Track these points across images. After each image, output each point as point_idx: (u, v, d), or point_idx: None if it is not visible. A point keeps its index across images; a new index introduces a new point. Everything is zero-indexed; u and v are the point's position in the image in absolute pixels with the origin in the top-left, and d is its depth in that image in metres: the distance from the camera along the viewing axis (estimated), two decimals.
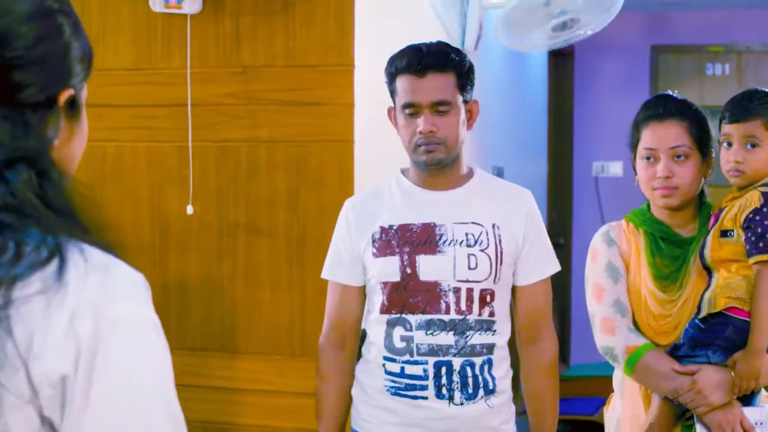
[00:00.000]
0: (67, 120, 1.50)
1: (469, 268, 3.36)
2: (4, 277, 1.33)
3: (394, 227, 3.43)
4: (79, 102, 1.54)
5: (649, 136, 3.48)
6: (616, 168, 9.60)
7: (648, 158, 3.47)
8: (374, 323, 3.47)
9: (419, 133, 3.35)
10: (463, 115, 3.41)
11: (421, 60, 3.36)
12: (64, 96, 1.50)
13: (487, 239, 3.39)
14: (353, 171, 4.43)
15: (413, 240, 3.39)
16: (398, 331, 3.40)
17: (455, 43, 5.69)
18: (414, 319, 3.37)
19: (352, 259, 3.50)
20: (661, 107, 3.49)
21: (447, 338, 3.34)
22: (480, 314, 3.37)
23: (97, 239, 1.46)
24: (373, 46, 4.58)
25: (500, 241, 3.40)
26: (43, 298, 1.34)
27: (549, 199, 9.16)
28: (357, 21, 4.44)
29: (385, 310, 3.42)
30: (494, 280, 3.38)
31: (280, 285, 4.56)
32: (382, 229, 3.44)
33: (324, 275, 3.60)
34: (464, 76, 3.40)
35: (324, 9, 4.47)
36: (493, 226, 3.41)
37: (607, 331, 3.46)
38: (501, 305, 3.43)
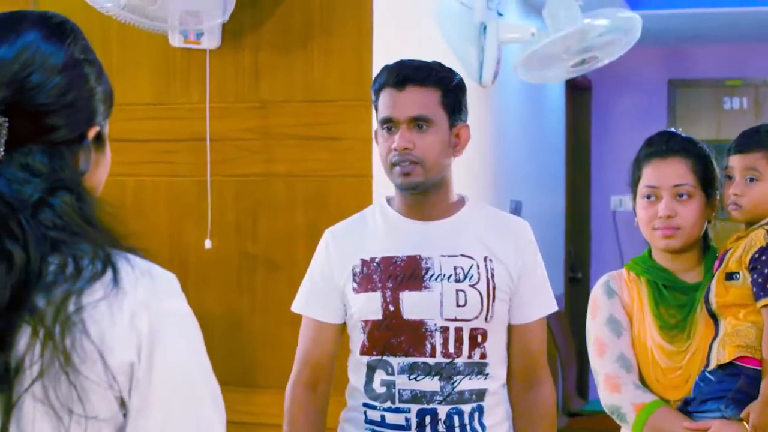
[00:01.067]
0: (94, 152, 1.78)
1: (458, 306, 3.06)
2: (72, 289, 1.61)
3: (377, 260, 3.12)
4: (103, 136, 1.81)
5: (650, 174, 3.30)
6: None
7: (648, 197, 3.29)
8: (354, 365, 3.18)
9: (394, 150, 3.06)
10: (446, 137, 3.10)
11: (400, 72, 3.10)
12: (92, 133, 1.76)
13: (478, 273, 3.08)
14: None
15: (397, 274, 3.08)
16: (379, 375, 3.08)
17: (472, 77, 5.71)
18: (396, 361, 3.06)
19: (329, 293, 3.20)
20: (664, 144, 3.33)
21: (432, 384, 3.04)
22: (470, 356, 3.06)
23: (131, 248, 1.75)
24: None
25: (492, 275, 3.10)
26: (106, 303, 1.64)
27: (567, 233, 9.14)
28: (375, 56, 4.46)
29: (365, 351, 3.11)
30: (486, 318, 3.08)
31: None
32: (364, 261, 3.13)
33: (296, 309, 3.34)
34: (450, 93, 3.11)
35: (342, 44, 4.49)
36: (485, 259, 3.11)
37: (612, 388, 3.24)
38: (495, 346, 3.12)
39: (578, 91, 9.47)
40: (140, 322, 1.66)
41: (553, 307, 3.26)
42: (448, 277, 3.07)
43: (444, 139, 3.10)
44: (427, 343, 3.04)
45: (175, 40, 4.50)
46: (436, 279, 3.07)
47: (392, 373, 3.05)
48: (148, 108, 4.75)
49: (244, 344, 4.64)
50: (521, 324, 3.19)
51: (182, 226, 4.72)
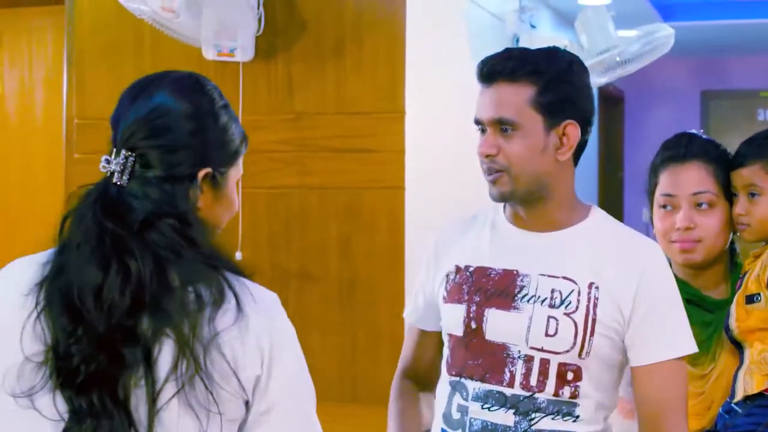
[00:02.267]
0: (210, 190, 2.05)
1: (547, 335, 2.58)
2: (203, 315, 1.88)
3: (471, 269, 2.70)
4: (220, 178, 2.07)
5: (667, 181, 2.94)
6: None
7: (665, 206, 2.94)
8: (441, 382, 2.78)
9: (479, 155, 2.65)
10: (540, 141, 2.60)
11: (490, 64, 2.65)
12: (202, 173, 2.01)
13: (578, 301, 2.58)
14: (404, 217, 4.43)
15: (488, 288, 2.66)
16: (456, 399, 2.68)
17: None
18: (471, 386, 2.64)
19: (428, 299, 2.83)
20: (681, 147, 2.95)
21: (506, 417, 2.60)
22: (556, 394, 2.58)
23: (235, 268, 1.98)
24: (424, 93, 4.60)
25: (595, 305, 2.58)
26: (237, 328, 1.91)
27: None
28: (408, 68, 4.46)
29: (448, 368, 2.72)
30: (580, 354, 2.57)
31: (331, 331, 4.56)
32: (458, 269, 2.72)
33: (404, 313, 2.98)
34: (550, 88, 2.60)
35: (375, 56, 4.50)
36: (590, 285, 2.59)
37: (626, 414, 2.85)
38: (592, 388, 2.60)
39: (611, 102, 9.45)
40: (263, 342, 1.95)
41: (681, 350, 2.62)
42: (542, 301, 2.61)
43: (536, 144, 2.60)
44: (506, 370, 2.61)
45: (209, 53, 4.52)
46: (528, 300, 2.62)
47: (467, 398, 2.65)
48: None
49: None
50: (637, 366, 2.62)
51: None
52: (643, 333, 2.58)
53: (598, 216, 2.73)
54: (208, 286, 1.91)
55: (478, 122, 2.64)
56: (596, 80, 5.90)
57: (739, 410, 2.77)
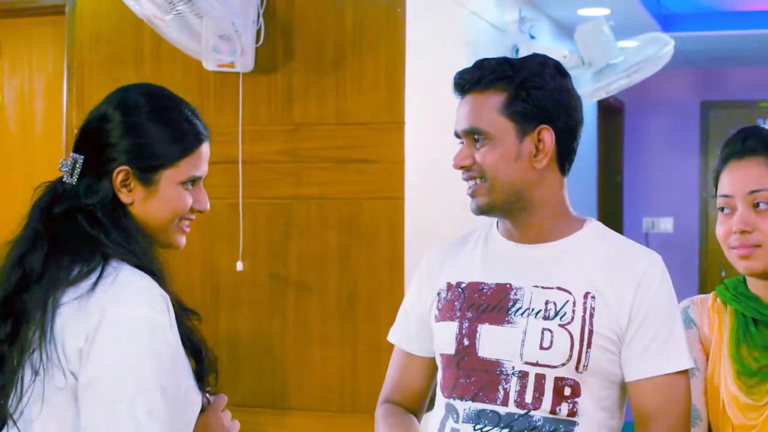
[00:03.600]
0: (140, 188, 2.25)
1: (541, 348, 2.46)
2: (57, 288, 2.12)
3: (463, 285, 2.59)
4: (150, 176, 2.25)
5: (725, 180, 2.58)
6: (666, 224, 9.55)
7: (723, 209, 2.58)
8: (436, 408, 2.64)
9: (454, 167, 2.58)
10: (513, 149, 2.50)
11: (462, 76, 2.59)
12: (117, 171, 2.23)
13: (573, 312, 2.46)
14: (404, 228, 4.43)
15: (480, 304, 2.54)
16: (449, 423, 2.54)
17: None
18: (462, 407, 2.51)
19: (419, 321, 2.70)
20: (739, 143, 2.58)
21: None
22: (553, 411, 2.44)
23: (144, 263, 2.19)
24: (423, 104, 4.60)
25: (591, 315, 2.46)
26: (78, 301, 2.10)
27: None
28: (407, 79, 4.47)
29: (441, 390, 2.59)
30: (577, 368, 2.44)
31: (331, 341, 4.56)
32: (449, 286, 2.62)
33: (389, 336, 2.84)
34: (520, 95, 2.51)
35: (375, 67, 4.50)
36: (586, 295, 2.48)
37: None
38: (591, 404, 2.47)
39: (610, 112, 9.46)
40: (93, 318, 2.08)
41: (680, 364, 2.48)
42: (537, 313, 2.49)
43: (509, 152, 2.50)
44: (500, 388, 2.47)
45: (209, 64, 4.52)
46: (522, 314, 2.50)
47: (458, 420, 2.51)
48: None
49: (275, 366, 4.64)
50: (632, 381, 2.49)
51: (214, 248, 4.74)
52: (636, 346, 2.46)
53: (595, 227, 2.62)
54: (83, 266, 2.13)
55: (456, 135, 2.58)
56: (597, 95, 5.91)
57: None
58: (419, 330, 2.70)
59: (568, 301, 2.48)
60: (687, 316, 2.67)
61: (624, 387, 2.52)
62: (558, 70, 2.57)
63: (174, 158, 2.30)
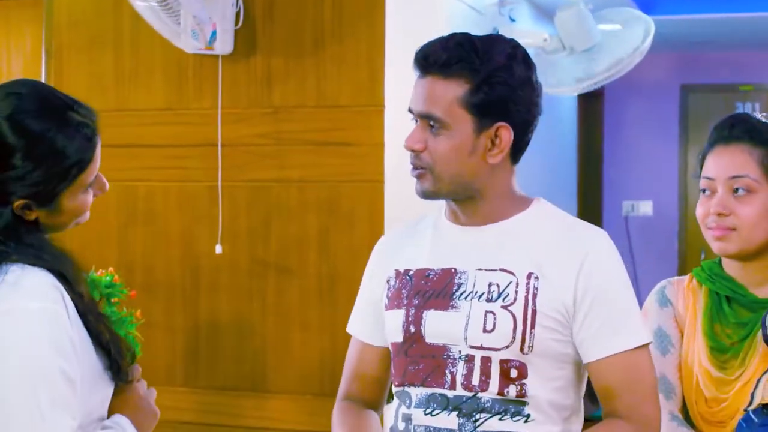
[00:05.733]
0: (43, 212, 2.20)
1: (485, 331, 2.42)
2: None
3: (411, 272, 2.55)
4: (50, 201, 2.19)
5: (709, 163, 2.69)
6: (646, 207, 9.57)
7: (704, 190, 2.70)
8: (394, 395, 2.62)
9: (405, 148, 2.50)
10: (467, 142, 2.43)
11: (426, 52, 2.48)
12: (17, 205, 2.17)
13: (515, 293, 2.42)
14: (384, 211, 4.43)
15: (426, 290, 2.50)
16: (402, 409, 2.53)
17: None
18: (414, 393, 2.49)
19: (373, 310, 2.67)
20: (726, 129, 2.69)
21: (448, 420, 2.44)
22: (501, 393, 2.41)
23: (54, 266, 2.14)
24: (403, 87, 4.58)
25: (535, 295, 2.42)
26: None
27: None
28: (387, 62, 4.46)
29: (394, 378, 2.58)
30: (522, 349, 2.41)
31: (311, 325, 4.56)
32: (398, 273, 2.58)
33: (347, 327, 2.82)
34: (482, 88, 2.42)
35: (355, 50, 4.50)
36: (529, 276, 2.43)
37: None
38: (541, 386, 2.44)
39: (590, 96, 9.45)
40: None
41: (637, 340, 2.44)
42: (480, 296, 2.45)
43: (463, 145, 2.44)
44: (447, 372, 2.45)
45: (188, 46, 4.51)
46: (466, 297, 2.46)
47: (410, 406, 2.49)
48: (160, 113, 4.76)
49: (255, 349, 4.64)
50: (590, 362, 2.44)
51: (193, 231, 4.73)
52: (590, 326, 2.41)
53: (541, 207, 2.56)
54: None
55: (410, 111, 2.49)
56: (574, 88, 5.91)
57: (756, 419, 2.57)
58: (374, 319, 2.64)
59: (511, 282, 2.43)
60: (663, 295, 2.78)
61: (580, 366, 2.48)
62: (525, 61, 2.49)
63: (71, 180, 2.22)
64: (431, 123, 2.43)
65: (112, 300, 4.06)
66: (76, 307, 2.16)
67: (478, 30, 5.71)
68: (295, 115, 4.58)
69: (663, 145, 9.75)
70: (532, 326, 2.40)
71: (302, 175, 4.57)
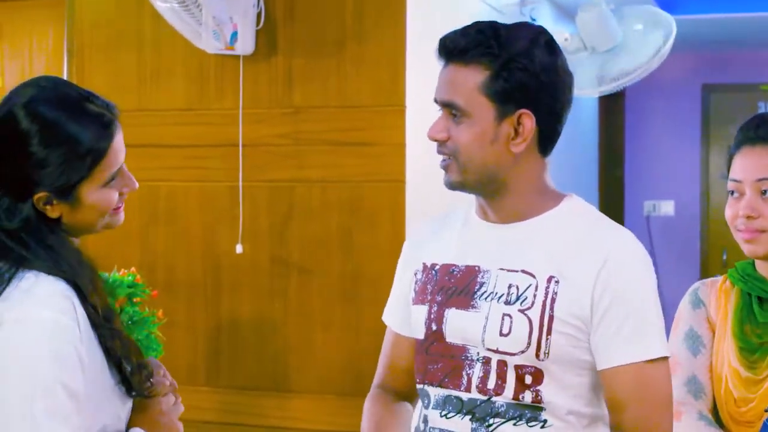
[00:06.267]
0: (63, 206, 2.21)
1: (501, 334, 2.34)
2: None
3: (437, 267, 2.50)
4: (69, 193, 2.20)
5: (736, 165, 2.68)
6: (667, 207, 9.54)
7: (732, 192, 2.68)
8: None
9: (428, 138, 2.46)
10: (489, 130, 2.37)
11: (447, 41, 2.41)
12: (37, 197, 2.19)
13: (534, 296, 2.34)
14: (405, 211, 4.43)
15: (450, 287, 2.45)
16: (422, 409, 2.49)
17: None
18: (433, 393, 2.45)
19: (404, 301, 2.60)
20: (752, 130, 2.67)
21: (462, 424, 2.39)
22: (517, 398, 2.34)
23: (69, 276, 2.14)
24: (424, 86, 4.59)
25: (553, 300, 2.33)
26: None
27: None
28: (408, 62, 4.46)
29: (416, 374, 2.53)
30: (537, 355, 2.32)
31: (333, 325, 4.56)
32: (425, 267, 2.53)
33: (382, 316, 2.74)
34: (503, 74, 2.34)
35: (376, 50, 4.49)
36: (549, 279, 2.34)
37: (674, 415, 2.44)
38: (558, 392, 2.36)
39: (611, 96, 9.43)
40: None
41: (652, 353, 2.32)
42: (499, 297, 2.37)
43: (485, 133, 2.37)
44: (463, 374, 2.39)
45: (210, 47, 4.51)
46: (486, 298, 2.39)
47: (428, 406, 2.45)
48: (182, 114, 4.77)
49: (276, 349, 4.64)
50: (604, 369, 2.34)
51: (215, 231, 4.73)
52: (605, 332, 2.31)
53: (572, 204, 2.47)
54: None
55: (435, 101, 2.43)
56: (597, 90, 5.89)
57: None
58: (404, 310, 2.58)
59: (530, 285, 2.35)
60: (696, 296, 2.77)
61: (596, 372, 2.38)
62: (549, 47, 2.40)
63: (88, 169, 2.22)
64: (453, 112, 2.38)
65: (134, 300, 4.10)
66: (90, 319, 2.16)
67: None
68: (316, 115, 4.58)
69: (684, 144, 9.72)
70: (549, 332, 2.32)
71: (323, 175, 4.57)
